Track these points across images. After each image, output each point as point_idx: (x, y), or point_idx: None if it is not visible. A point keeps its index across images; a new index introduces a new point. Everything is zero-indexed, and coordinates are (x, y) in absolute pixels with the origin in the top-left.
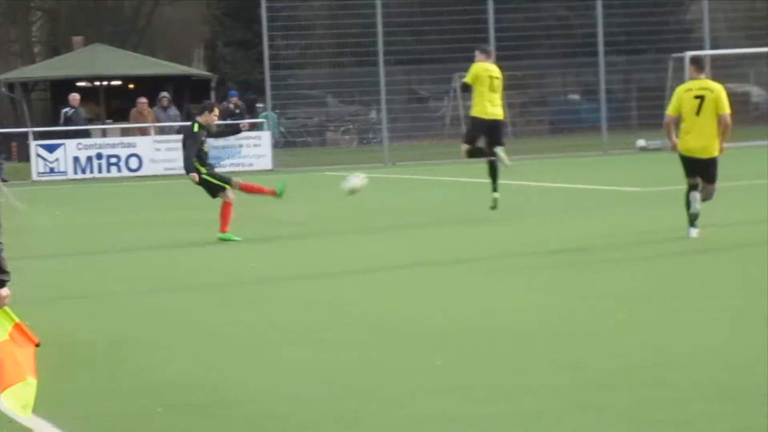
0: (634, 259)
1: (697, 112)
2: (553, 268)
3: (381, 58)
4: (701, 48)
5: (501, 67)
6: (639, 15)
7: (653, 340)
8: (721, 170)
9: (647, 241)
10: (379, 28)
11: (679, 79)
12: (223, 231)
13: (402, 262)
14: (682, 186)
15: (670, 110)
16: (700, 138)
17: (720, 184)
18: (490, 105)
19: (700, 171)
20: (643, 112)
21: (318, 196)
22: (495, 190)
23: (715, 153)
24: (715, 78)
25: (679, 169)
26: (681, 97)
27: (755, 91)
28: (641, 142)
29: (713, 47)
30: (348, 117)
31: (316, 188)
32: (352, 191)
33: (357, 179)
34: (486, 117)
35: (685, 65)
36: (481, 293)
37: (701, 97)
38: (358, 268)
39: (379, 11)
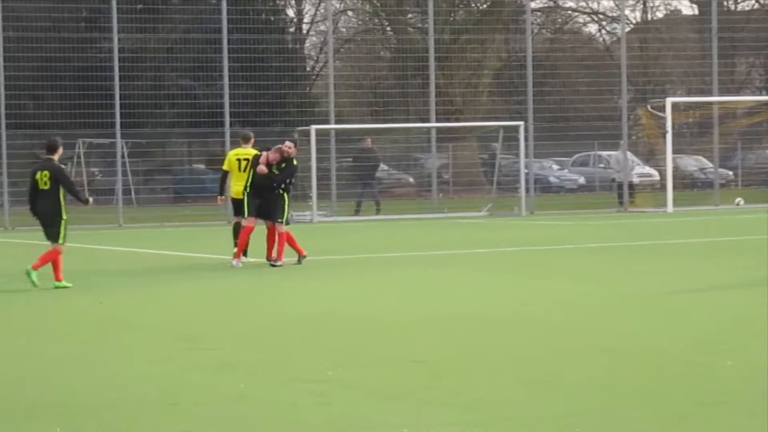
0: None
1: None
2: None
3: (2, 122)
4: (327, 122)
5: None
6: (262, 88)
7: None
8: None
9: None
10: (1, 92)
11: (305, 152)
12: None
13: (17, 326)
14: None
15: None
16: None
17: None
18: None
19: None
20: None
21: None
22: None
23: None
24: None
25: None
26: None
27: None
28: None
29: (338, 122)
30: None
31: None
32: None
33: None
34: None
35: (311, 137)
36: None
37: (246, 159)
38: None
39: (1, 74)
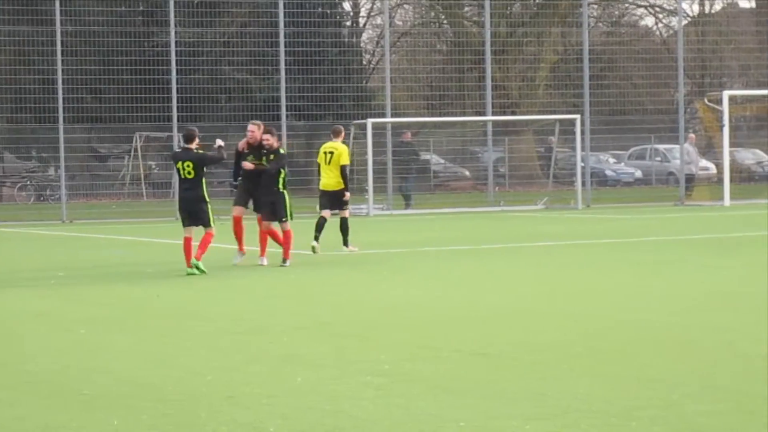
0: None
1: (328, 162)
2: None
3: (60, 115)
4: (383, 115)
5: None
6: (318, 81)
7: None
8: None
9: None
10: (59, 85)
11: (362, 146)
12: None
13: (77, 318)
14: None
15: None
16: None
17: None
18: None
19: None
20: None
21: None
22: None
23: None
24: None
25: None
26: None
27: (434, 159)
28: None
29: (394, 115)
30: (25, 173)
31: None
32: None
33: None
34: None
35: (368, 131)
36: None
37: (331, 153)
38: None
39: (59, 68)
